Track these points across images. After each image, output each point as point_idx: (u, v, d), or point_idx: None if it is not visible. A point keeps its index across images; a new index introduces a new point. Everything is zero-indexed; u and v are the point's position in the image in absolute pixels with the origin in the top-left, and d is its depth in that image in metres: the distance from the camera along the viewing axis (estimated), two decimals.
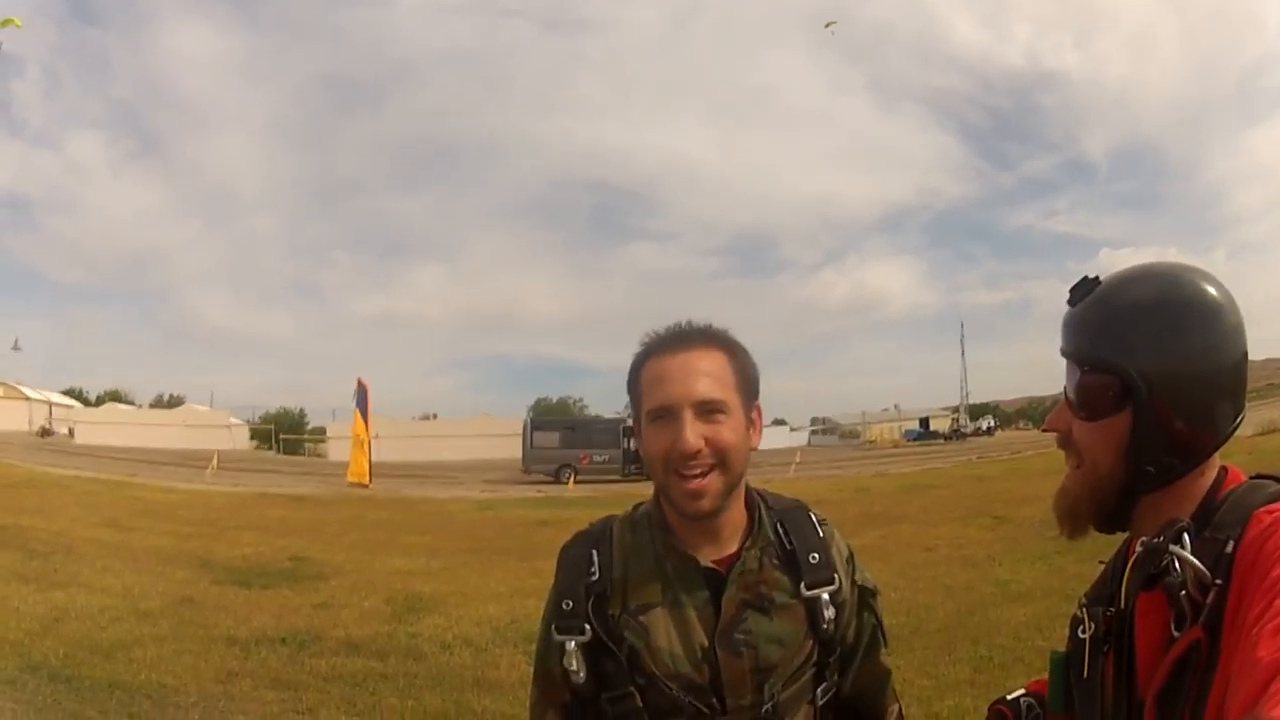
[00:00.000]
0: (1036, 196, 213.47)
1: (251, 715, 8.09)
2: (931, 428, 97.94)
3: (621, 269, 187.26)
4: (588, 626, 2.15)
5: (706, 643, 2.13)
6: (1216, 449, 1.66)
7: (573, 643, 2.14)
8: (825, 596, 2.19)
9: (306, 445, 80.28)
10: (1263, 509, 1.52)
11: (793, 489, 2.37)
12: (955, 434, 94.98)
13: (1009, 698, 2.19)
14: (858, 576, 2.34)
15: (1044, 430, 1.82)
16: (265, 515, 24.84)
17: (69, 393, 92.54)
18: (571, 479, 45.42)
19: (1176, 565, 1.50)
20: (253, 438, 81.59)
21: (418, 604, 12.74)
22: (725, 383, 2.14)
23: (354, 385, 44.91)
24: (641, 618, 2.16)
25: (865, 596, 2.34)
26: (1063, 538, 1.85)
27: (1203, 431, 1.64)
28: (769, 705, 2.13)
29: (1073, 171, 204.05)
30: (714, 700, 2.12)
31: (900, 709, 2.45)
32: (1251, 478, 1.67)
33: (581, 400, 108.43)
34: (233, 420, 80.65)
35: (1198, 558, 1.49)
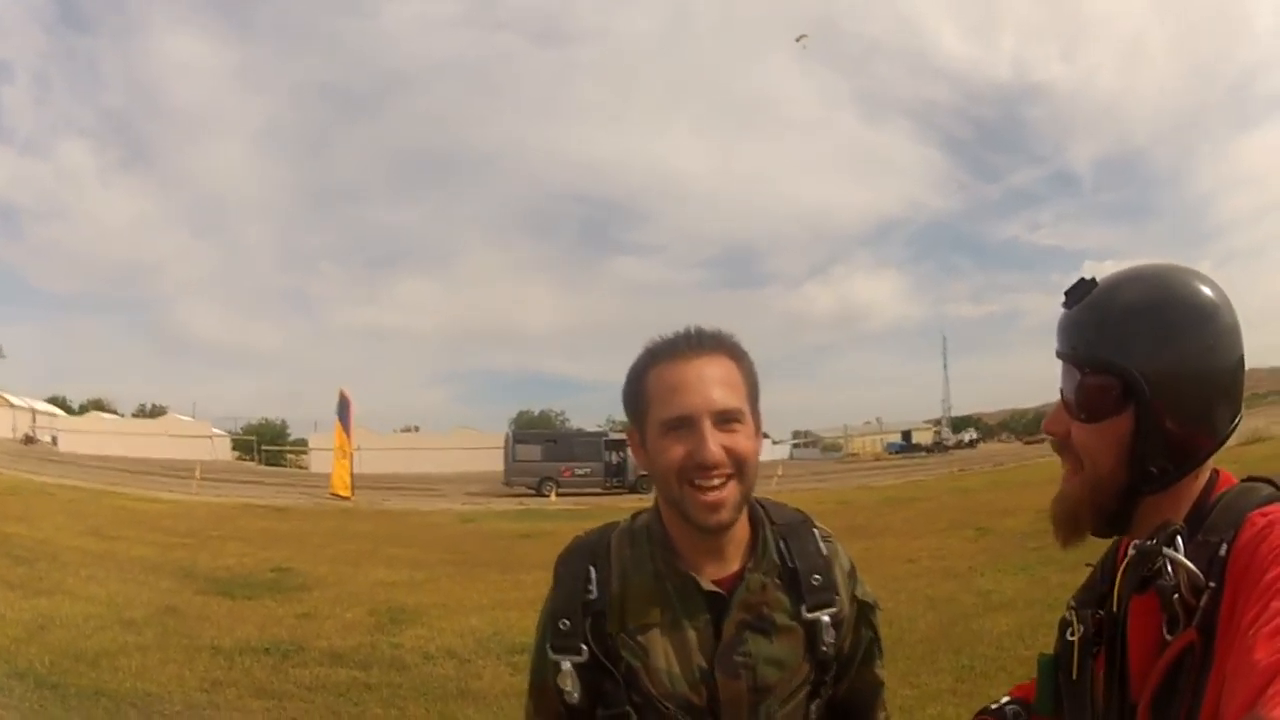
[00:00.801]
0: (1022, 209, 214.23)
1: None
2: (914, 440, 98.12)
3: (609, 281, 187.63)
4: (584, 647, 2.11)
5: (705, 665, 2.09)
6: (1216, 450, 1.67)
7: (568, 663, 2.11)
8: (826, 619, 2.15)
9: (288, 457, 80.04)
10: (1256, 511, 1.53)
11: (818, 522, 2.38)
12: (938, 446, 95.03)
13: (994, 706, 2.18)
14: (858, 591, 2.30)
15: (1043, 432, 1.83)
16: (248, 526, 24.75)
17: (53, 401, 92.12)
18: (553, 492, 45.40)
19: (1169, 568, 1.51)
20: (235, 449, 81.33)
21: (400, 615, 12.70)
22: (739, 390, 2.10)
23: (337, 397, 44.82)
24: (640, 638, 2.11)
25: (865, 611, 2.31)
26: (1055, 545, 1.83)
27: (1202, 432, 1.64)
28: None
29: (1058, 183, 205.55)
30: None
31: (888, 718, 2.44)
32: (1243, 480, 1.68)
33: (563, 413, 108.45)
34: (215, 431, 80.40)
35: (1191, 560, 1.50)
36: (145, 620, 11.78)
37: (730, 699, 2.09)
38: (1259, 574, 1.38)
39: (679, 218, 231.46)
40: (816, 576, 2.18)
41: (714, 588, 2.12)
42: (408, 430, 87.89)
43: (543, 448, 51.11)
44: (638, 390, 2.14)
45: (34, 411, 79.34)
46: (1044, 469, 35.94)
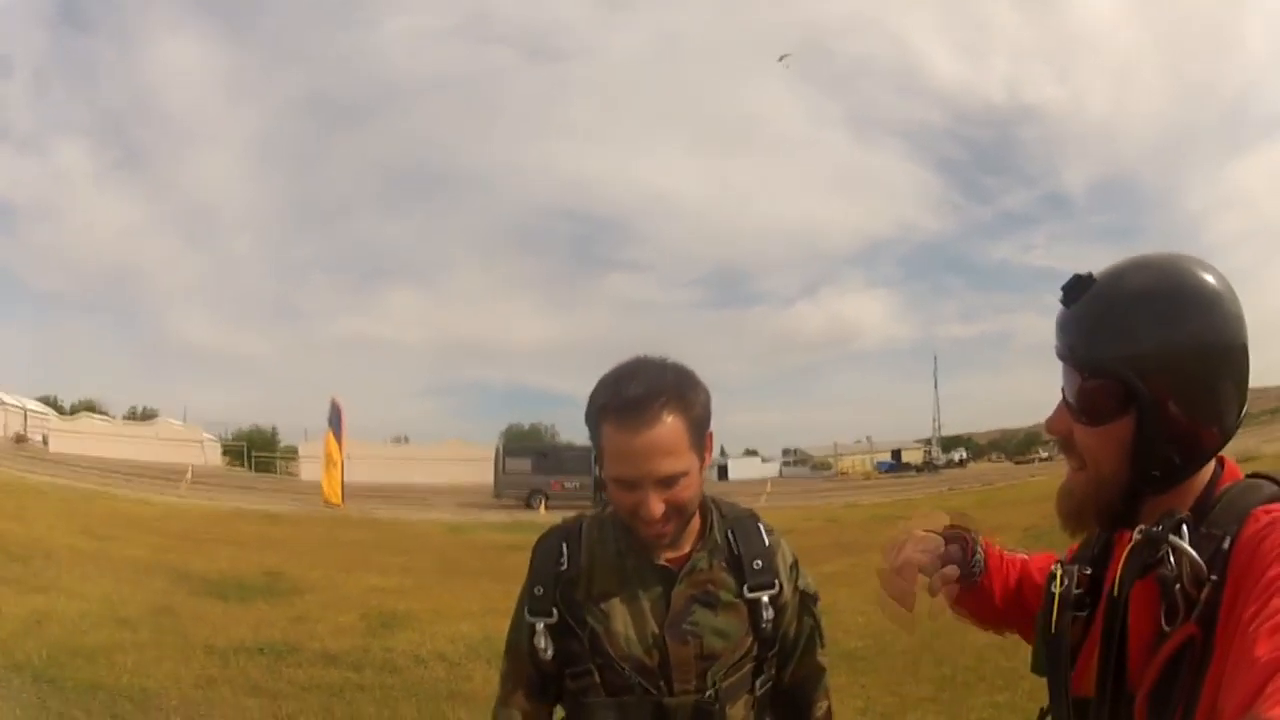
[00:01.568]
0: (1014, 230, 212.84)
1: None
2: (904, 460, 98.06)
3: (599, 299, 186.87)
4: (555, 610, 2.43)
5: (657, 631, 2.39)
6: (1222, 443, 1.67)
7: (541, 624, 2.43)
8: (765, 599, 2.46)
9: (279, 464, 79.87)
10: (1260, 508, 1.53)
11: (764, 520, 2.56)
12: (927, 466, 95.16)
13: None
14: (800, 583, 2.61)
15: (1046, 432, 1.85)
16: (240, 530, 24.71)
17: (44, 400, 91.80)
18: (542, 505, 45.35)
19: (1171, 558, 1.51)
20: (225, 454, 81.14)
21: (392, 620, 12.80)
22: (682, 450, 2.30)
23: (328, 406, 44.68)
24: (602, 605, 2.42)
25: (806, 601, 2.62)
26: (1066, 533, 1.86)
27: (1207, 424, 1.63)
28: (711, 691, 2.38)
29: (1051, 204, 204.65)
30: (661, 683, 2.38)
31: (830, 706, 2.70)
32: (1248, 476, 1.69)
33: (553, 427, 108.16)
34: (206, 436, 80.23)
35: (1195, 552, 1.50)
36: (140, 619, 11.82)
37: (679, 662, 2.38)
38: (1261, 570, 1.39)
39: (669, 236, 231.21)
40: (758, 561, 2.48)
41: (665, 564, 2.44)
42: (398, 440, 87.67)
43: (532, 461, 50.93)
44: (594, 431, 2.37)
45: (25, 411, 79.06)
46: (1032, 488, 36.17)
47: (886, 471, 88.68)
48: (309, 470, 57.26)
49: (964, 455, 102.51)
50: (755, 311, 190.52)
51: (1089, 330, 1.69)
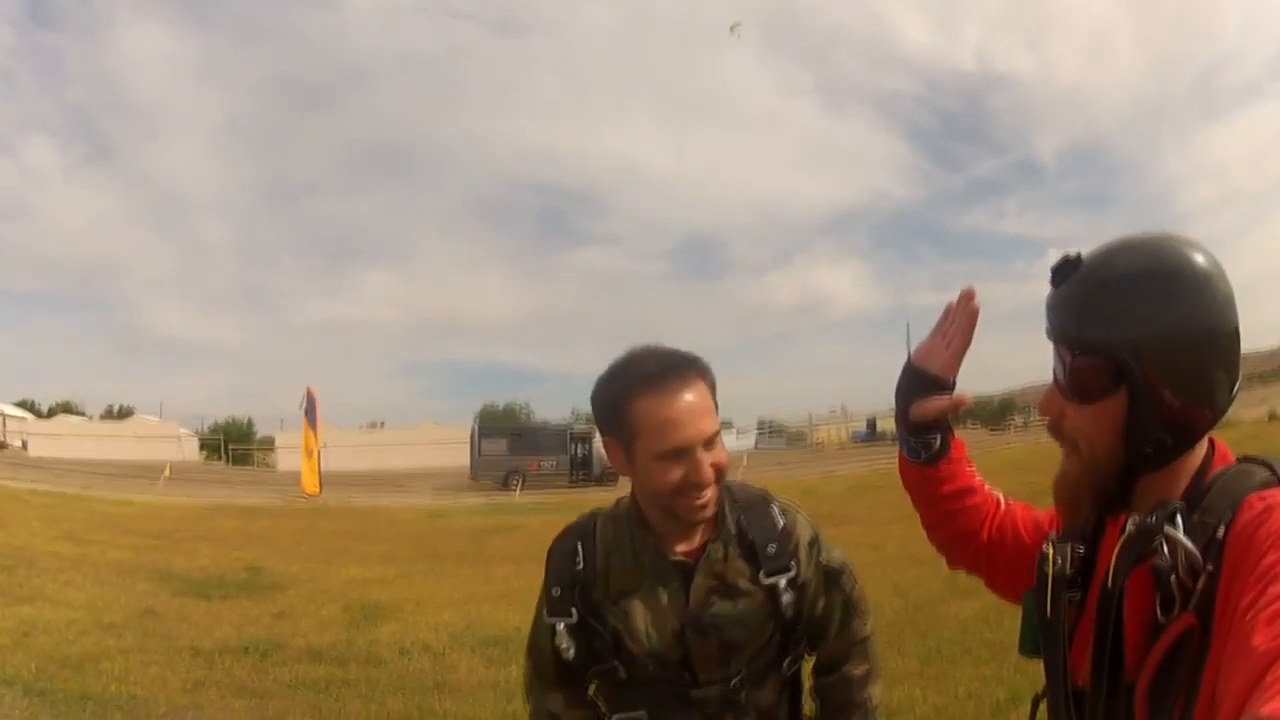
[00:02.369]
0: (985, 198, 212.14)
1: None
2: (879, 429, 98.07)
3: (569, 272, 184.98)
4: (574, 610, 2.45)
5: (678, 626, 2.41)
6: (1213, 423, 1.67)
7: (562, 624, 2.45)
8: (782, 583, 2.46)
9: (255, 455, 79.47)
10: (1255, 494, 1.51)
11: (778, 498, 2.60)
12: None
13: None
14: (823, 558, 2.60)
15: (1038, 414, 1.90)
16: (219, 526, 24.73)
17: (22, 404, 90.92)
18: (519, 486, 45.38)
19: (1165, 549, 1.50)
20: (202, 448, 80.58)
21: (375, 612, 12.83)
22: (713, 410, 2.36)
23: (302, 394, 44.45)
24: (622, 603, 2.44)
25: (831, 576, 2.61)
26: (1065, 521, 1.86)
27: (1198, 405, 1.63)
28: (736, 679, 2.43)
29: (1022, 172, 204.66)
30: (686, 675, 2.42)
31: (871, 670, 2.70)
32: (1239, 460, 1.68)
33: (528, 406, 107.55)
34: (182, 431, 79.72)
35: (1189, 541, 1.49)
36: (125, 623, 11.83)
37: (702, 656, 2.42)
38: (1257, 558, 1.37)
39: (639, 208, 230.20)
40: (771, 546, 2.47)
41: (681, 558, 2.45)
42: (373, 426, 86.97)
43: (508, 441, 50.76)
44: (622, 415, 2.33)
45: (3, 415, 78.54)
46: (1006, 455, 36.39)
47: (862, 441, 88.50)
48: (286, 460, 57.15)
49: None
50: (726, 282, 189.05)
51: (1079, 309, 1.68)
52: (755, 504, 2.56)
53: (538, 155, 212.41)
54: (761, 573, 2.45)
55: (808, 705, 2.71)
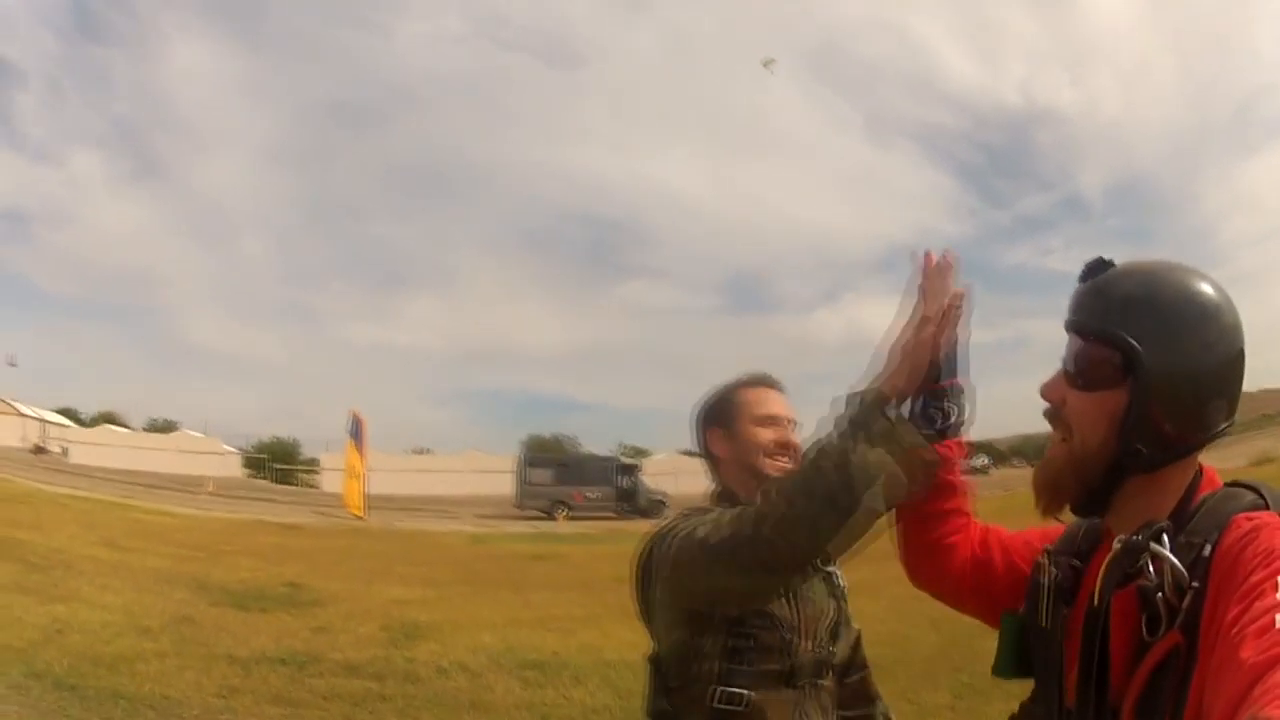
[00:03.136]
0: (1032, 234, 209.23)
1: None
2: None
3: (616, 304, 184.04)
4: None
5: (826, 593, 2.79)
6: (1206, 443, 1.71)
7: None
8: (836, 570, 2.86)
9: (299, 476, 79.87)
10: (1242, 515, 1.55)
11: None
12: None
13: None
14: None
15: (1041, 397, 1.85)
16: (261, 541, 24.83)
17: (63, 411, 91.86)
18: (563, 515, 45.40)
19: (1150, 568, 1.53)
20: (246, 466, 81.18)
21: (414, 631, 12.81)
22: (795, 416, 2.90)
23: (347, 417, 44.81)
24: None
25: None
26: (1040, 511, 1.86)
27: (1195, 422, 1.67)
28: (829, 648, 2.73)
29: (1068, 208, 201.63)
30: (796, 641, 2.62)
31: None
32: (1227, 485, 1.70)
33: (575, 437, 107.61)
34: (226, 448, 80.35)
35: (1176, 559, 1.52)
36: (161, 628, 11.87)
37: (807, 620, 2.67)
38: (1243, 575, 1.40)
39: (686, 241, 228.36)
40: None
41: None
42: (419, 452, 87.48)
43: (554, 471, 50.97)
44: (730, 402, 2.91)
45: (45, 422, 79.28)
46: None
47: None
48: (330, 482, 57.39)
49: (986, 461, 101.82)
50: (774, 319, 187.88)
51: (1102, 302, 1.74)
52: None
53: (584, 184, 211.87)
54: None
55: None
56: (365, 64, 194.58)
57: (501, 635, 12.44)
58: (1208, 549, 1.51)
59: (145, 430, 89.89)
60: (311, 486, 70.08)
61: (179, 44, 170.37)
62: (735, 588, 2.37)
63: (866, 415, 2.11)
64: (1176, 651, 1.46)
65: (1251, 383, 1.79)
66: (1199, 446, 1.71)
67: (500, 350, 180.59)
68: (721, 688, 2.51)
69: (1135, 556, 1.57)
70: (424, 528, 35.00)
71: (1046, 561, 1.88)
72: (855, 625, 2.93)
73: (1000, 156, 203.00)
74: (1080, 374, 1.75)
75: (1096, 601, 1.65)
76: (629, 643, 8.12)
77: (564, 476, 50.19)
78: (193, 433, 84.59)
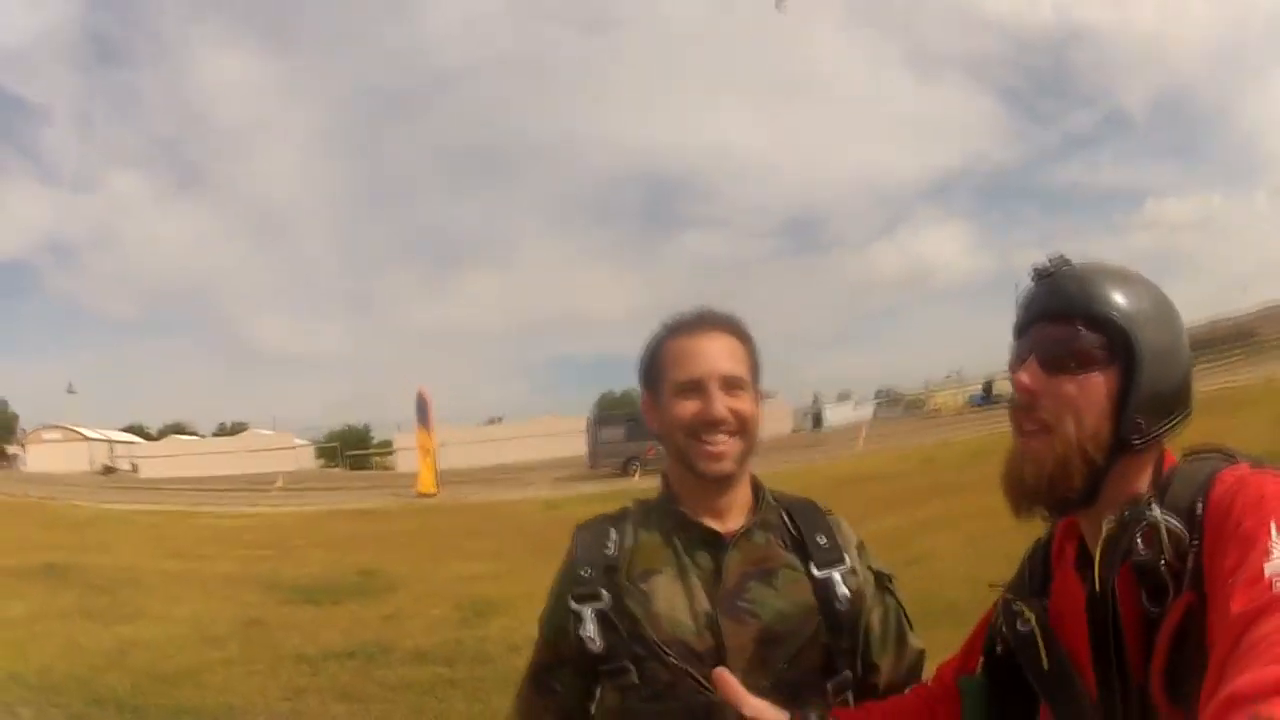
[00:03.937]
0: (1079, 152, 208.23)
1: None
2: (995, 392, 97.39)
3: (677, 259, 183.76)
4: (603, 591, 2.23)
5: (709, 608, 2.19)
6: (1185, 423, 1.70)
7: (590, 609, 2.22)
8: (838, 576, 2.27)
9: (374, 460, 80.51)
10: (1225, 470, 1.56)
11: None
12: None
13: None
14: (871, 564, 2.41)
15: (1020, 389, 1.74)
16: (333, 532, 25.17)
17: (131, 429, 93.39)
18: (637, 471, 45.49)
19: (1140, 544, 1.52)
20: (319, 456, 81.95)
21: (485, 608, 12.87)
22: (743, 363, 2.35)
23: (414, 396, 45.08)
24: (643, 584, 2.23)
25: (883, 581, 2.41)
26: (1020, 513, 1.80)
27: (1179, 396, 1.68)
28: (770, 684, 2.11)
29: (1112, 125, 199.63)
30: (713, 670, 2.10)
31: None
32: (1185, 454, 1.72)
33: None
34: (297, 441, 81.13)
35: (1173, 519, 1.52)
36: (229, 635, 12.01)
37: (736, 646, 2.15)
38: (1235, 524, 1.41)
39: (740, 190, 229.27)
40: (822, 538, 2.34)
41: (714, 526, 2.30)
42: (492, 422, 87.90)
43: (625, 428, 50.75)
44: (654, 358, 2.41)
45: (111, 442, 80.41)
46: None
47: (979, 405, 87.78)
48: (405, 462, 57.91)
49: None
50: (833, 256, 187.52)
51: (1081, 285, 1.71)
52: (802, 503, 2.47)
53: (634, 146, 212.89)
54: (813, 564, 2.30)
55: None
56: (400, 52, 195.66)
57: None
58: (1199, 508, 1.52)
59: (214, 435, 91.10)
60: (387, 469, 70.74)
61: (206, 56, 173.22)
62: None
63: None
64: (1191, 611, 1.45)
65: None
66: (1182, 420, 1.70)
67: (565, 317, 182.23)
68: None
69: (1130, 530, 1.56)
70: (496, 498, 35.27)
71: (1021, 608, 1.85)
72: (916, 643, 2.43)
73: (1042, 77, 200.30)
74: (1072, 356, 1.68)
75: (1099, 587, 1.62)
76: None
77: (635, 432, 49.94)
78: (263, 431, 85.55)
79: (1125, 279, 1.71)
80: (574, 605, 2.24)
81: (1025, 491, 1.73)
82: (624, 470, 46.08)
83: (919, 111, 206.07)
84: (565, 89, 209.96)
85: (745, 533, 2.31)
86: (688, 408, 2.27)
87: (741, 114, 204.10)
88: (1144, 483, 1.67)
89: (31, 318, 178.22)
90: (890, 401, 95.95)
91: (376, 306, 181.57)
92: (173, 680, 9.74)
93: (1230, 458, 1.64)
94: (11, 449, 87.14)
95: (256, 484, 45.10)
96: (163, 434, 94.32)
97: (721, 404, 2.26)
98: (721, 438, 2.26)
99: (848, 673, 2.28)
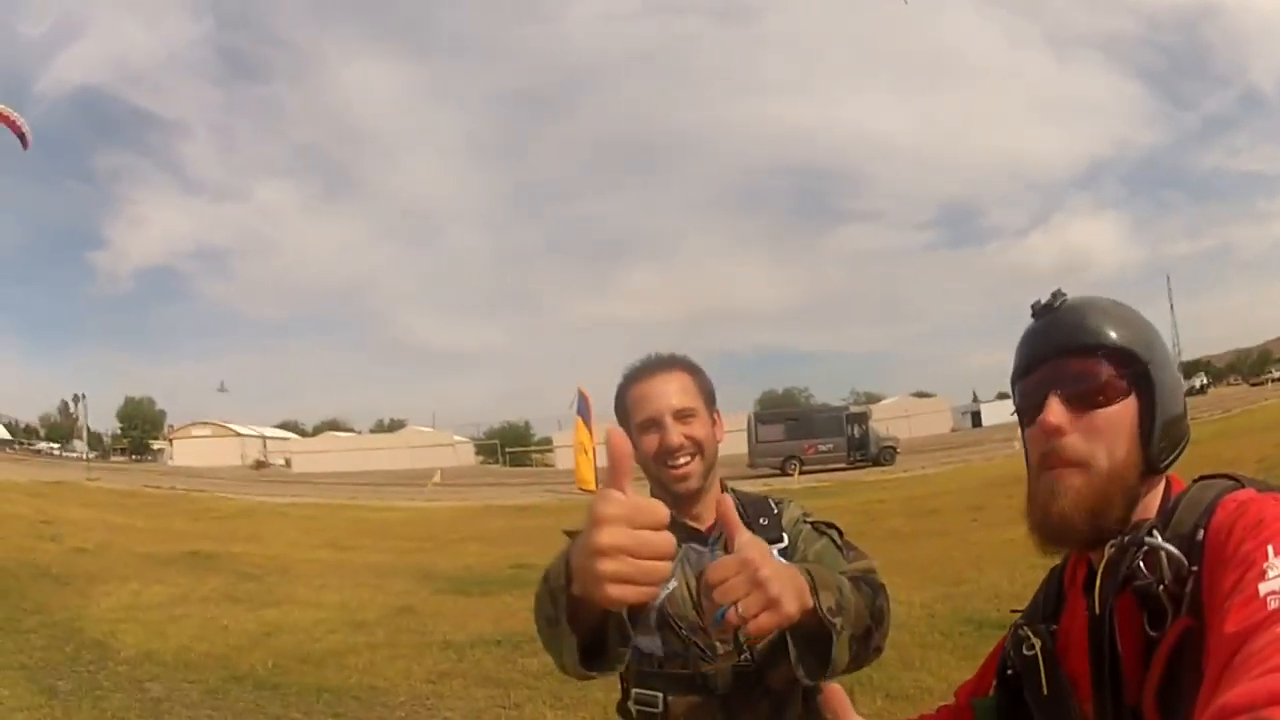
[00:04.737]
0: (1220, 135, 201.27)
1: (459, 712, 8.32)
2: None
3: (833, 251, 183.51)
4: None
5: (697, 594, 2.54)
6: (1185, 445, 1.76)
7: None
8: (774, 551, 2.31)
9: (533, 457, 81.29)
10: (1227, 496, 1.56)
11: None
12: None
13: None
14: (810, 519, 2.83)
15: (1050, 431, 1.69)
16: (488, 526, 25.57)
17: (285, 426, 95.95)
18: (796, 470, 45.25)
19: (1143, 567, 1.54)
20: (478, 453, 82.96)
21: None
22: (691, 394, 2.79)
23: (573, 393, 45.36)
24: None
25: (819, 527, 2.79)
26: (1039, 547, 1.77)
27: (1183, 419, 1.74)
28: (745, 654, 2.56)
29: (1247, 105, 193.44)
30: (704, 650, 2.57)
31: (884, 592, 2.59)
32: (1195, 480, 1.70)
33: (807, 390, 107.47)
34: (457, 438, 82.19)
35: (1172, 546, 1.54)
36: (377, 621, 12.24)
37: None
38: (1235, 546, 1.41)
39: (891, 180, 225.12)
40: (763, 519, 2.79)
41: (697, 526, 2.77)
42: None
43: (785, 427, 51.00)
44: (620, 403, 2.85)
45: (264, 438, 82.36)
46: (1267, 414, 35.57)
47: None
48: (565, 459, 58.35)
49: (1205, 381, 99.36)
50: (989, 248, 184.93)
51: (1089, 318, 1.74)
52: (756, 499, 2.91)
53: (783, 136, 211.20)
54: None
55: None
56: (540, 52, 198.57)
57: None
58: (1200, 534, 1.53)
59: (372, 432, 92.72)
60: (547, 465, 71.44)
61: (345, 66, 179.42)
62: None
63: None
64: (1188, 635, 1.47)
65: None
66: (1185, 445, 1.76)
67: (723, 311, 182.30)
68: (636, 689, 2.62)
69: (1130, 555, 1.58)
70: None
71: (1029, 633, 1.87)
72: (860, 562, 2.67)
73: (1177, 57, 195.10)
74: (1100, 390, 1.71)
75: (1098, 609, 1.66)
76: None
77: (795, 431, 50.22)
78: (422, 428, 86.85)
79: (1126, 310, 1.77)
80: None
81: (1064, 527, 1.70)
82: (782, 470, 46.07)
83: (1061, 94, 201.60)
84: (707, 81, 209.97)
85: (717, 528, 2.70)
86: (651, 442, 2.70)
87: (883, 99, 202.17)
88: (1152, 509, 1.69)
89: (179, 322, 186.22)
90: None
91: (534, 303, 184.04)
92: (316, 661, 9.93)
93: (1237, 482, 1.63)
94: (158, 445, 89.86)
95: (414, 480, 45.88)
96: (318, 431, 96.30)
97: (677, 434, 2.69)
98: (683, 460, 2.69)
99: None
